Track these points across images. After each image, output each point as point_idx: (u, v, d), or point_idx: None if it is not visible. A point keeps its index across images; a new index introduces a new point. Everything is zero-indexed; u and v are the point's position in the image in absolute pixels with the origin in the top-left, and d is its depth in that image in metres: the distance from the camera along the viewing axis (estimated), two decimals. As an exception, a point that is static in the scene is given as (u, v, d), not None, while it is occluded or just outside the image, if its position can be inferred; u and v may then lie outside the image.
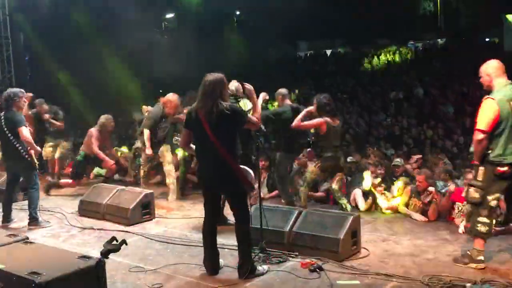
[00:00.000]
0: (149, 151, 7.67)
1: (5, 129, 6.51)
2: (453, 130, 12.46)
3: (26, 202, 6.90)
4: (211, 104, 4.39)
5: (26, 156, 6.54)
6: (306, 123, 6.47)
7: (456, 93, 15.97)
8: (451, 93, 16.01)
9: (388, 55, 24.46)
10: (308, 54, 30.51)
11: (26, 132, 6.46)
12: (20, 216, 7.06)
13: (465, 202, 5.64)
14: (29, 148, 6.53)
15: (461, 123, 13.04)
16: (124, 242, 2.93)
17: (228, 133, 4.45)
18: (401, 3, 28.80)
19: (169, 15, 26.36)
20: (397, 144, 11.50)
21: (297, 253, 5.05)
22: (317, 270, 4.63)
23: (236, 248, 4.67)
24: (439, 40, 29.80)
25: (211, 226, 4.72)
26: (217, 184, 4.57)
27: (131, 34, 14.24)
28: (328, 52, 29.75)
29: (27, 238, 4.03)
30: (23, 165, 6.61)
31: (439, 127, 12.81)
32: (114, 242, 2.90)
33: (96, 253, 3.56)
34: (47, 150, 9.90)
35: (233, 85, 5.83)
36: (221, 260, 4.81)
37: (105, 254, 2.90)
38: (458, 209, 6.24)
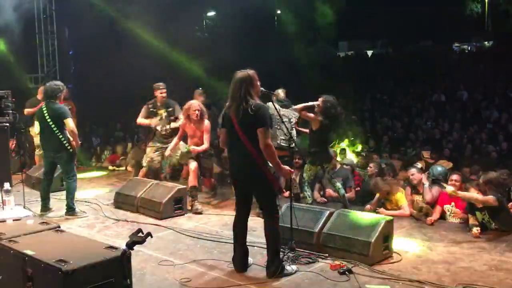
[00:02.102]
0: None
1: (49, 119, 6.67)
2: (497, 136, 12.06)
3: (62, 192, 7.10)
4: (238, 101, 4.38)
5: (69, 148, 6.72)
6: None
7: (501, 98, 15.47)
8: (497, 97, 15.52)
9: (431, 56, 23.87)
10: (349, 54, 30.20)
11: (72, 123, 6.68)
12: (58, 206, 7.24)
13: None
14: (71, 139, 6.72)
15: (505, 129, 12.61)
16: (149, 234, 2.95)
17: (254, 132, 4.36)
18: (447, 4, 28.07)
19: (210, 13, 26.57)
20: (437, 148, 11.22)
21: (327, 255, 4.98)
22: (347, 272, 4.55)
23: (266, 246, 4.64)
24: (486, 42, 28.92)
25: (242, 223, 4.71)
26: (246, 182, 4.56)
27: (173, 29, 14.43)
28: (369, 52, 29.35)
29: (59, 226, 4.12)
30: (64, 155, 6.76)
31: (482, 132, 12.43)
32: (140, 234, 2.92)
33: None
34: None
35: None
36: (250, 259, 4.79)
37: (130, 245, 2.92)
38: (449, 211, 6.39)
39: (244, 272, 4.66)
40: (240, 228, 4.70)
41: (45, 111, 6.71)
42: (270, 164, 4.49)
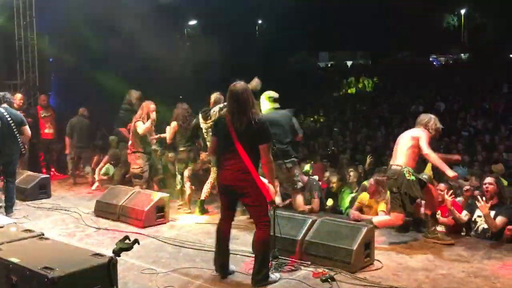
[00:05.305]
0: None
1: (12, 124, 7.05)
2: (474, 146, 12.32)
3: (42, 200, 7.24)
4: (242, 114, 4.45)
5: (24, 151, 7.33)
6: None
7: (477, 109, 15.82)
8: (473, 108, 15.86)
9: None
10: (329, 65, 30.54)
11: (29, 130, 7.36)
12: (38, 214, 7.29)
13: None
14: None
15: (481, 139, 12.88)
16: (136, 241, 2.95)
17: (253, 145, 4.46)
18: (424, 16, 28.64)
19: (192, 22, 26.59)
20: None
21: (309, 262, 5.03)
22: (329, 280, 4.59)
23: (249, 254, 4.67)
24: (462, 54, 29.58)
25: (227, 228, 4.77)
26: (238, 194, 4.60)
27: (153, 37, 14.39)
28: (349, 63, 29.73)
29: (43, 234, 4.09)
30: (17, 158, 7.31)
31: (459, 142, 12.67)
32: (127, 241, 2.93)
33: (110, 253, 3.60)
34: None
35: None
36: (232, 266, 4.82)
37: (117, 252, 2.92)
38: None
39: (225, 274, 4.72)
40: (224, 233, 4.76)
41: (7, 116, 7.05)
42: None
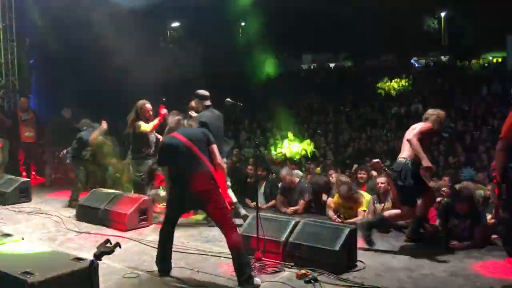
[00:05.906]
0: None
1: None
2: (454, 148, 12.48)
3: (22, 204, 7.14)
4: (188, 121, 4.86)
5: None
6: None
7: (457, 110, 16.03)
8: (453, 110, 16.07)
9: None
10: (312, 67, 30.68)
11: None
12: (17, 218, 7.17)
13: None
14: None
15: (462, 141, 13.06)
16: (118, 245, 2.93)
17: (206, 149, 4.73)
18: (406, 19, 28.97)
19: (175, 24, 26.51)
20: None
21: (292, 264, 5.03)
22: (312, 281, 4.60)
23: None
24: (442, 57, 29.98)
25: (172, 231, 4.98)
26: (203, 200, 4.66)
27: (134, 39, 14.31)
28: (332, 65, 29.93)
29: (22, 238, 4.04)
30: None
31: (440, 144, 12.82)
32: (108, 245, 2.90)
33: (91, 257, 3.56)
34: None
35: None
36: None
37: (98, 256, 2.89)
38: None
39: (168, 275, 4.84)
40: (170, 235, 4.96)
41: None
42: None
